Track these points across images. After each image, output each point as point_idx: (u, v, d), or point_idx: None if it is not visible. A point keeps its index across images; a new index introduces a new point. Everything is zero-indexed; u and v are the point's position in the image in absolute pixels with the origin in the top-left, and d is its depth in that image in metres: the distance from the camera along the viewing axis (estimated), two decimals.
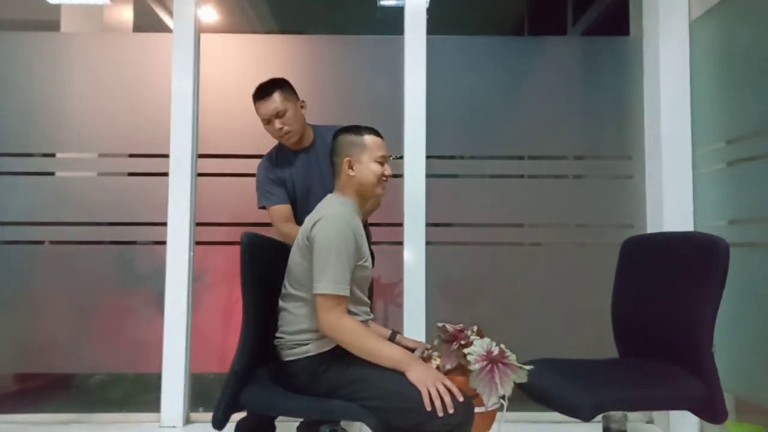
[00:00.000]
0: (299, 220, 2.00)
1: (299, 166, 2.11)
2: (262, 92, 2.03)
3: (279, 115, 2.01)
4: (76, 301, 2.50)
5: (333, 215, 1.53)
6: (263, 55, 2.65)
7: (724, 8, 2.33)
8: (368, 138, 1.65)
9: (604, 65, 2.68)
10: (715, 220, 2.34)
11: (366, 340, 1.47)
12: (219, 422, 1.52)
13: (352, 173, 1.63)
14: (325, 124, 2.16)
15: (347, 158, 1.63)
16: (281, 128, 2.01)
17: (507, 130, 2.66)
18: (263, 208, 2.12)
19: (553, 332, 2.56)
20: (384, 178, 1.66)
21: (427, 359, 1.58)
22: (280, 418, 1.56)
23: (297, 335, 1.54)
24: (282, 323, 1.59)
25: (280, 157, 2.13)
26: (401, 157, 2.55)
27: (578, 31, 3.69)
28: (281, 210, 2.08)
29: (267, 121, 2.03)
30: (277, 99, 2.01)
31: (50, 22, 3.00)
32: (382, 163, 1.65)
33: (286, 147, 2.11)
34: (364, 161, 1.63)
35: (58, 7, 2.99)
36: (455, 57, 2.67)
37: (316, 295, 1.47)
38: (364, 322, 1.64)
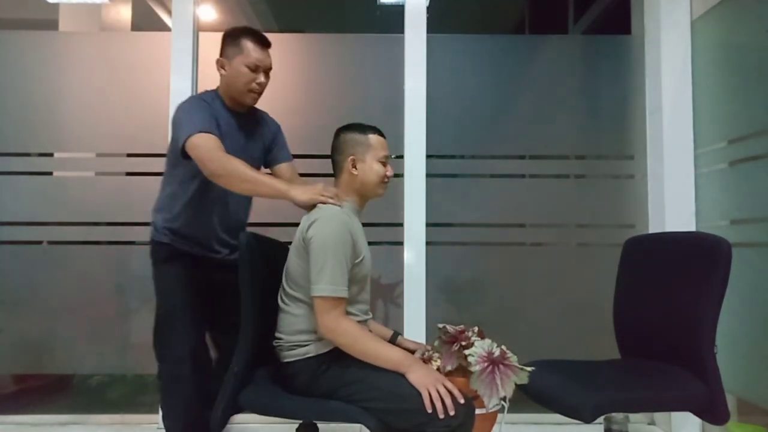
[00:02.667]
0: (219, 197, 1.84)
1: (230, 128, 1.85)
2: (266, 41, 1.87)
3: (268, 71, 1.87)
4: (75, 302, 2.49)
5: (329, 215, 1.51)
6: None
7: (725, 7, 2.32)
8: (373, 137, 1.64)
9: (606, 64, 2.67)
10: (717, 220, 2.33)
11: (365, 343, 1.46)
12: (218, 423, 1.52)
13: (355, 172, 1.62)
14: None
15: (351, 156, 1.62)
16: (262, 83, 1.85)
17: (508, 129, 2.65)
18: (187, 139, 1.67)
19: (554, 333, 2.55)
20: (386, 179, 1.65)
21: (427, 360, 1.58)
22: (279, 419, 1.55)
23: (296, 336, 1.53)
24: (280, 324, 1.58)
25: (214, 108, 1.84)
26: (401, 157, 2.54)
27: (579, 30, 3.68)
28: (221, 143, 1.73)
29: (254, 68, 1.82)
30: (271, 57, 1.89)
31: (48, 21, 2.98)
32: (384, 164, 1.65)
33: (218, 106, 1.84)
34: (368, 161, 1.62)
35: (56, 6, 2.98)
36: (456, 56, 2.66)
37: (314, 298, 1.46)
38: (363, 321, 1.63)
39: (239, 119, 1.88)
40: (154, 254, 1.88)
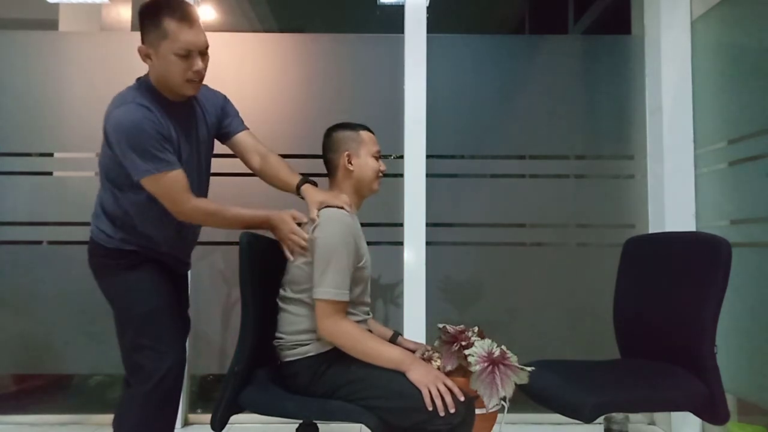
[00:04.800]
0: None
1: (182, 120, 1.59)
2: (191, 15, 1.49)
3: (205, 52, 1.53)
4: (75, 302, 2.49)
5: (332, 218, 1.51)
6: (262, 53, 2.64)
7: (725, 7, 2.32)
8: (364, 133, 1.66)
9: (606, 64, 2.67)
10: (717, 220, 2.33)
11: (366, 343, 1.46)
12: (218, 424, 1.52)
13: (351, 167, 1.63)
14: None
15: (346, 152, 1.63)
16: (200, 70, 1.52)
17: (508, 129, 2.65)
18: (146, 173, 1.47)
19: (554, 333, 2.55)
20: (380, 174, 1.67)
21: (427, 360, 1.57)
22: (279, 419, 1.55)
23: (296, 336, 1.53)
24: (281, 324, 1.58)
25: (155, 109, 1.53)
26: (401, 157, 2.54)
27: (579, 30, 3.69)
28: (185, 178, 1.53)
29: (186, 54, 1.48)
30: (204, 32, 1.52)
31: (48, 21, 2.99)
32: (377, 159, 1.66)
33: (155, 106, 1.53)
34: (362, 156, 1.64)
35: (56, 6, 2.98)
36: (456, 56, 2.66)
37: (316, 300, 1.47)
38: (363, 321, 1.63)
39: (178, 110, 1.59)
40: (112, 263, 1.61)
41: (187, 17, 1.48)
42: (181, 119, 1.60)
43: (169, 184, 1.50)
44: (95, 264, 1.66)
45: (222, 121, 1.76)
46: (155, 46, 1.50)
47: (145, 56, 1.53)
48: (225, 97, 1.79)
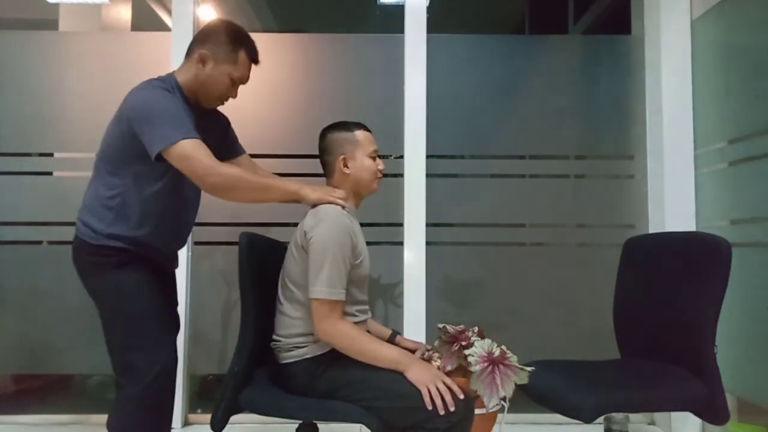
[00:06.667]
0: (185, 199, 1.68)
1: (201, 123, 1.63)
2: (258, 59, 1.73)
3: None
4: (75, 302, 2.49)
5: (330, 217, 1.50)
6: (262, 53, 2.62)
7: (725, 7, 2.32)
8: (359, 133, 1.63)
9: (606, 64, 2.67)
10: (717, 220, 2.33)
11: (363, 344, 1.46)
12: (218, 424, 1.52)
13: (347, 171, 1.62)
14: None
15: (341, 156, 1.61)
16: (235, 97, 1.72)
17: (508, 129, 2.65)
18: (167, 146, 1.46)
19: (554, 333, 2.55)
20: (379, 174, 1.65)
21: (427, 360, 1.58)
22: (279, 419, 1.55)
23: (293, 339, 1.53)
24: (278, 326, 1.58)
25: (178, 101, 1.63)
26: (401, 157, 2.54)
27: (580, 30, 3.68)
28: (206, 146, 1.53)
29: (234, 83, 1.66)
30: None
31: (48, 21, 2.99)
32: (374, 158, 1.64)
33: (179, 98, 1.62)
34: (358, 158, 1.62)
35: (56, 6, 2.98)
36: (456, 55, 2.66)
37: (312, 300, 1.46)
38: (362, 321, 1.63)
39: (199, 114, 1.66)
40: (101, 261, 1.57)
41: (256, 61, 1.71)
42: (200, 122, 1.63)
43: (197, 151, 1.48)
44: (82, 263, 1.61)
45: (225, 141, 1.82)
46: (219, 61, 1.63)
47: (202, 61, 1.62)
48: (228, 120, 1.87)
